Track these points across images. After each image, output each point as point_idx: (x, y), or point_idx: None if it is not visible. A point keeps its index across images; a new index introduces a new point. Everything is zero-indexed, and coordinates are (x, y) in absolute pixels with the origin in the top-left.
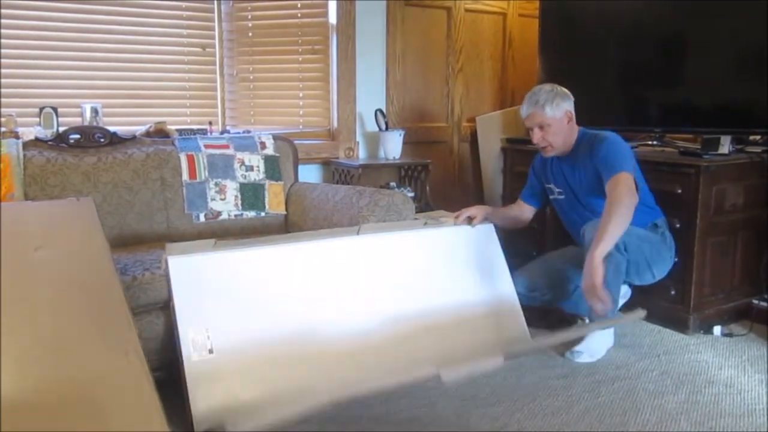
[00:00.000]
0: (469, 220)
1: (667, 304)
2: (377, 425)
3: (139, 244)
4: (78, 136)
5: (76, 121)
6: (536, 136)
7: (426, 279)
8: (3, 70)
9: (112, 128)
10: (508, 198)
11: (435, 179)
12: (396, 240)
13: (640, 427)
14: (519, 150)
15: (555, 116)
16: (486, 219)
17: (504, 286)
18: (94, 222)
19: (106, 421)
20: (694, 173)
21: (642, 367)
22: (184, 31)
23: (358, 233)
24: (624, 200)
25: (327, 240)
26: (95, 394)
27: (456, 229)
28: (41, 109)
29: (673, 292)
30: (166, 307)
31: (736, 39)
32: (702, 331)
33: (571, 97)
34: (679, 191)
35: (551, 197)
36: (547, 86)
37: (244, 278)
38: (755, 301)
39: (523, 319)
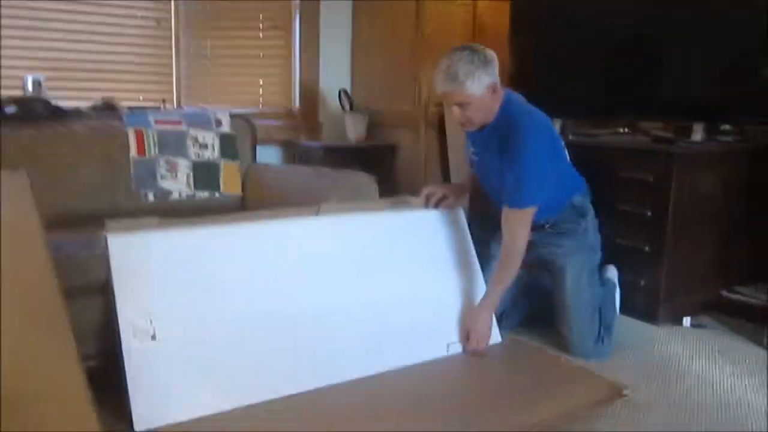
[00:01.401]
0: (438, 203)
1: (636, 294)
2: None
3: (80, 224)
4: (15, 108)
5: (19, 94)
6: (455, 115)
7: (388, 263)
8: None
9: (57, 102)
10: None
11: (401, 165)
12: (358, 221)
13: (612, 421)
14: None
15: (476, 93)
16: (457, 201)
17: (472, 273)
18: (27, 196)
19: (28, 415)
20: (667, 160)
21: (613, 358)
22: (138, 3)
23: (317, 213)
24: (519, 250)
25: (283, 220)
26: (17, 382)
27: (422, 213)
28: None
29: (642, 283)
30: (105, 289)
31: (711, 28)
32: (672, 322)
33: (495, 60)
34: (651, 179)
35: (470, 153)
36: (466, 53)
37: (191, 259)
38: (725, 293)
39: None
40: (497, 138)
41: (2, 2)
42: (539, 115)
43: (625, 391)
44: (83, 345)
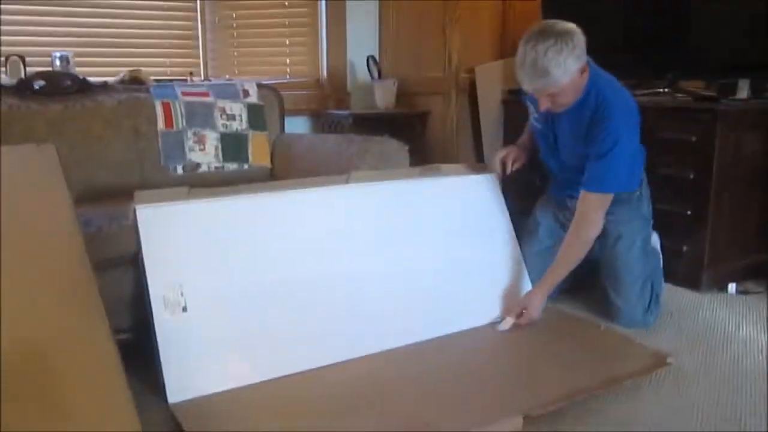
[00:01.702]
0: (504, 167)
1: (678, 260)
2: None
3: (110, 199)
4: (44, 83)
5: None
6: (543, 104)
7: (422, 232)
8: None
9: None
10: None
11: (432, 132)
12: (390, 188)
13: (655, 388)
14: (520, 102)
15: (569, 81)
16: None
17: (506, 242)
18: (55, 170)
19: (59, 386)
20: (711, 119)
21: (654, 326)
22: None
23: (347, 182)
24: (591, 236)
25: (313, 189)
26: (48, 358)
27: (455, 179)
28: (7, 57)
29: (685, 248)
30: (136, 261)
31: None
32: (716, 289)
33: (580, 38)
34: (693, 140)
35: (530, 115)
36: (551, 41)
37: (221, 230)
38: None
39: (527, 277)
40: (582, 117)
41: None
42: (625, 94)
43: (669, 359)
44: (115, 318)
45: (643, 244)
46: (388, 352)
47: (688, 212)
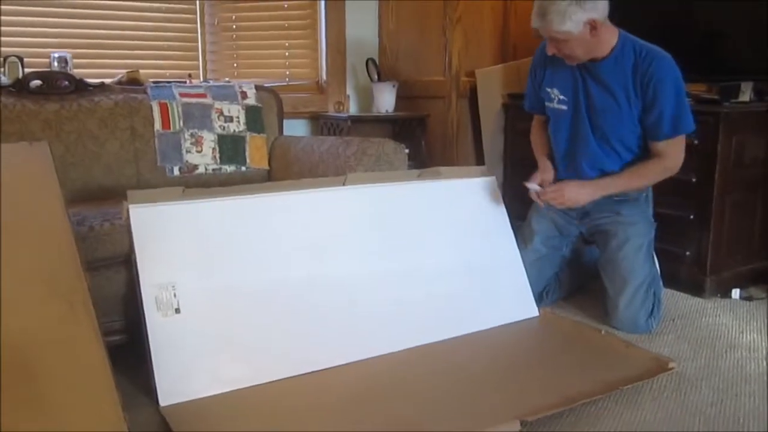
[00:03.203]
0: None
1: (681, 266)
2: None
3: (105, 199)
4: (40, 82)
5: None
6: (551, 48)
7: (421, 234)
8: None
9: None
10: (510, 158)
11: (432, 136)
12: (387, 192)
13: (656, 394)
14: (522, 106)
15: (571, 31)
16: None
17: (505, 247)
18: (48, 168)
19: (43, 384)
20: (713, 122)
21: (656, 331)
22: None
23: (344, 184)
24: (674, 170)
25: (309, 191)
26: (33, 352)
27: (455, 182)
28: (5, 58)
29: (687, 253)
30: (129, 261)
31: None
32: (719, 295)
33: None
34: (696, 142)
35: (547, 104)
36: None
37: (215, 231)
38: None
39: (527, 282)
40: (624, 68)
41: None
42: None
43: (671, 365)
44: (108, 319)
45: (648, 248)
46: (384, 356)
47: (691, 216)
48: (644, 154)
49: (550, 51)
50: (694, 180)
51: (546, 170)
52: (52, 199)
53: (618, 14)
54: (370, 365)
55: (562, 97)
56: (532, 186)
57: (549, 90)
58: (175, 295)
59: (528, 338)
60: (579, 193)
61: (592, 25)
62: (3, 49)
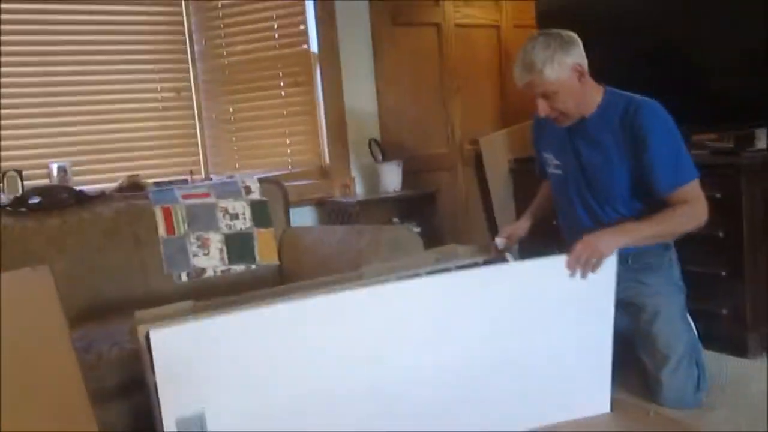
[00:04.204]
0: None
1: (718, 325)
2: None
3: (115, 313)
4: (40, 199)
5: (45, 182)
6: (542, 107)
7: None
8: None
9: (82, 187)
10: None
11: (442, 210)
12: (410, 287)
13: None
14: (528, 170)
15: (560, 78)
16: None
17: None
18: (50, 294)
19: None
20: (734, 173)
21: (705, 404)
22: (156, 76)
23: (361, 278)
24: (702, 220)
25: (333, 294)
26: None
27: (521, 266)
28: (4, 173)
29: (724, 311)
30: (138, 389)
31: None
32: (764, 353)
33: (577, 42)
34: (718, 196)
35: (547, 169)
36: (540, 38)
37: (240, 346)
38: None
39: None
40: (611, 121)
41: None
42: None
43: None
44: None
45: (682, 315)
46: None
47: (723, 273)
48: (648, 209)
49: (542, 112)
50: (721, 235)
51: (519, 226)
52: (56, 330)
53: (614, 63)
54: None
55: (556, 162)
56: (499, 240)
57: (545, 156)
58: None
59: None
60: (608, 241)
61: (579, 71)
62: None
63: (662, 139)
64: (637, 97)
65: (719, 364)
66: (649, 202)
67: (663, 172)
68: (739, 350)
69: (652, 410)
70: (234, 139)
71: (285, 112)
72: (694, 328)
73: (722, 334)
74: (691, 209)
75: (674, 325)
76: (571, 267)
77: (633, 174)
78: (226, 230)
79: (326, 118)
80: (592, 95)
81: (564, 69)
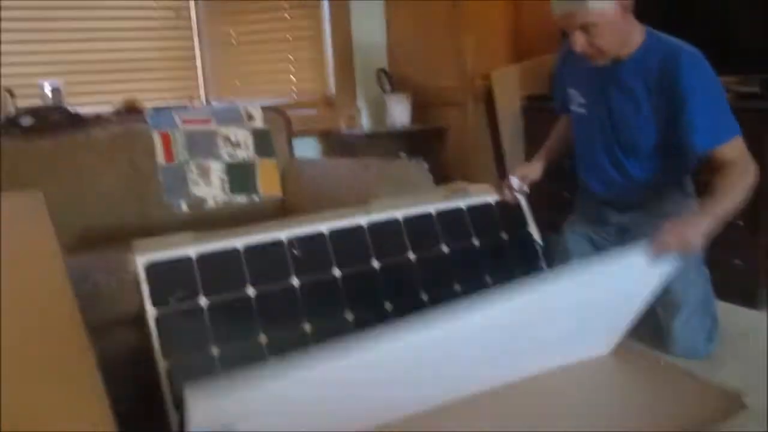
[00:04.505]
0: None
1: (731, 275)
2: None
3: (109, 242)
4: (32, 120)
5: (37, 103)
6: (579, 42)
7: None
8: None
9: (77, 108)
10: None
11: (451, 146)
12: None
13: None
14: (541, 108)
15: (604, 9)
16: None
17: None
18: (43, 220)
19: None
20: (758, 119)
21: (716, 355)
22: None
23: (367, 212)
24: (750, 176)
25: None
26: (33, 426)
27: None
28: None
29: (738, 262)
30: (136, 321)
31: None
32: None
33: None
34: None
35: (570, 106)
36: None
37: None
38: None
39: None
40: (649, 67)
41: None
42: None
43: (745, 400)
44: (115, 386)
45: (697, 265)
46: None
47: (740, 222)
48: (676, 162)
49: (579, 47)
50: None
51: (533, 168)
52: (50, 257)
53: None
54: None
55: (582, 100)
56: (514, 180)
57: (571, 92)
58: None
59: (585, 374)
60: (696, 232)
61: (624, 5)
62: None
63: (703, 97)
64: (679, 45)
65: (729, 314)
66: (674, 157)
67: (702, 131)
68: (750, 302)
69: (663, 360)
70: (235, 63)
71: (290, 37)
72: (709, 278)
73: (735, 285)
74: (739, 167)
75: (689, 275)
76: (657, 255)
77: (664, 128)
78: (227, 159)
79: (333, 43)
80: (633, 35)
81: (609, 3)
